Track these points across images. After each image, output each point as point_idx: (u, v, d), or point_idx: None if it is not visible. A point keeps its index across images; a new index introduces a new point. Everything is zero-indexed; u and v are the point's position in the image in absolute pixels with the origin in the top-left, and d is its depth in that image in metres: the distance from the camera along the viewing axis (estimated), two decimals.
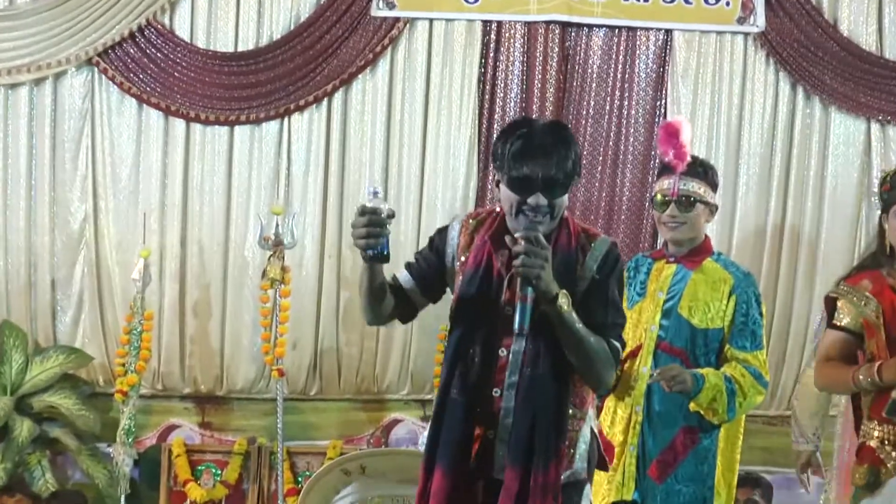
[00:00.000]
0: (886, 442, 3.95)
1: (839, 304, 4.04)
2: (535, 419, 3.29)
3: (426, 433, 3.51)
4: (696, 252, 4.44)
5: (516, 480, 3.28)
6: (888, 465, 3.94)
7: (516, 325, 3.20)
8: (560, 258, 3.29)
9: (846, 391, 4.20)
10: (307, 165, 7.51)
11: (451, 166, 7.51)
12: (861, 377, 3.87)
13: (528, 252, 3.11)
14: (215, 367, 7.57)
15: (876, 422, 3.97)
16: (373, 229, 3.23)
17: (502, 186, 3.35)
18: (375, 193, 3.29)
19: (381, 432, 7.62)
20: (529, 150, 3.25)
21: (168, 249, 7.49)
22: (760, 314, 4.35)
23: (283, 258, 7.05)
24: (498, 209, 3.45)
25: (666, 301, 4.40)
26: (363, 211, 3.23)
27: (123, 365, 7.10)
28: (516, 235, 3.19)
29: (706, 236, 4.54)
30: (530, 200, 3.24)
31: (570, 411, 3.33)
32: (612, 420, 4.44)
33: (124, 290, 7.38)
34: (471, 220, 3.52)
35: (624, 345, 3.35)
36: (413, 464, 6.55)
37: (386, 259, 3.31)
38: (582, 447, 3.40)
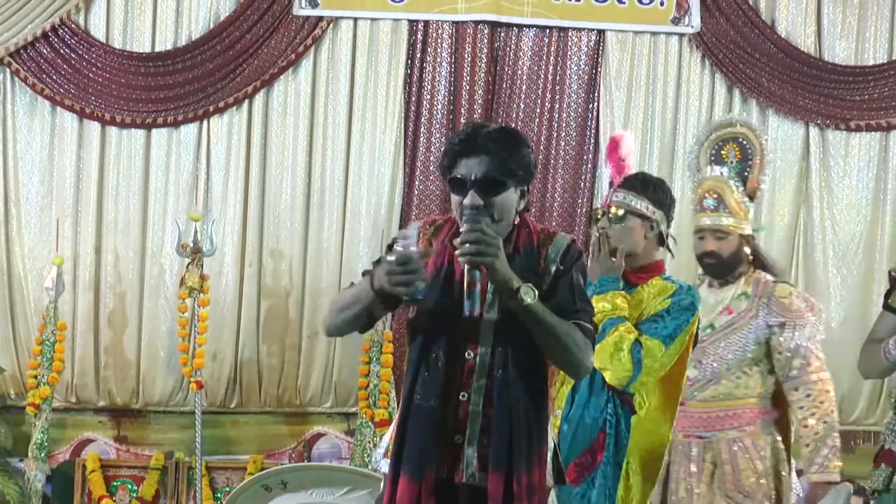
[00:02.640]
0: None
1: None
2: (512, 422, 3.52)
3: (383, 444, 3.79)
4: (643, 270, 4.54)
5: (500, 486, 3.49)
6: None
7: (466, 310, 3.45)
8: (522, 257, 3.55)
9: (883, 370, 4.24)
10: (227, 170, 7.96)
11: (376, 171, 7.99)
12: (892, 346, 4.04)
13: (473, 240, 3.36)
14: (131, 379, 7.95)
15: None
16: (409, 276, 3.42)
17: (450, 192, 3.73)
18: (406, 237, 3.50)
19: (303, 446, 8.01)
20: (465, 151, 3.57)
21: (82, 257, 7.89)
22: (686, 322, 4.36)
23: (202, 266, 7.48)
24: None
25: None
26: (399, 259, 3.41)
27: (36, 377, 7.47)
28: (462, 227, 3.44)
29: (660, 260, 4.61)
30: (465, 200, 3.49)
31: (546, 413, 3.61)
32: None
33: (36, 300, 7.79)
34: (428, 227, 3.75)
35: (596, 328, 3.59)
36: (336, 479, 7.02)
37: (422, 301, 3.54)
38: (552, 450, 3.76)
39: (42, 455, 7.48)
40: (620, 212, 4.50)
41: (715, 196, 5.39)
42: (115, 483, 7.74)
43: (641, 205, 4.49)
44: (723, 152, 5.56)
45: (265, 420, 8.10)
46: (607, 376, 4.31)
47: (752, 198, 5.47)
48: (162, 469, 7.76)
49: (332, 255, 7.92)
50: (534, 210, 7.83)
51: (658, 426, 4.47)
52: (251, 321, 7.98)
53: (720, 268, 5.35)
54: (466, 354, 3.56)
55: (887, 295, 4.22)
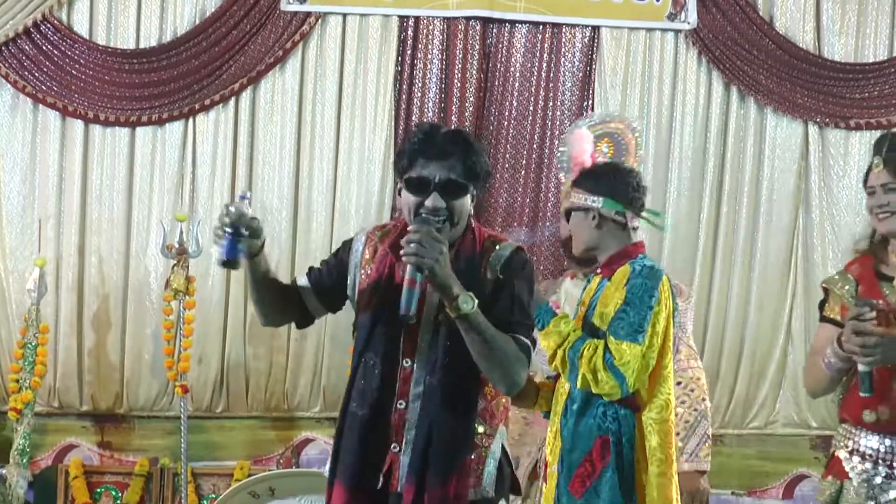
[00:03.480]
0: (855, 452, 4.00)
1: (829, 293, 4.20)
2: (431, 431, 3.59)
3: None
4: (613, 260, 4.51)
5: (412, 494, 3.58)
6: (853, 481, 4.00)
7: (402, 308, 3.46)
8: (464, 263, 3.64)
9: (828, 384, 4.13)
10: (213, 169, 7.95)
11: (365, 171, 7.99)
12: (829, 354, 3.93)
13: (417, 240, 3.44)
14: (115, 383, 7.94)
15: (852, 426, 4.03)
16: (219, 229, 3.61)
17: (403, 191, 3.74)
18: (242, 198, 3.71)
19: (291, 452, 8.01)
20: (427, 152, 3.64)
21: (65, 258, 7.88)
22: (650, 308, 4.30)
23: (188, 268, 7.46)
24: (403, 220, 3.82)
25: (585, 314, 4.62)
26: (223, 210, 3.64)
27: (17, 381, 7.45)
28: (409, 228, 3.54)
29: (628, 246, 4.51)
30: (427, 202, 3.58)
31: (481, 427, 3.65)
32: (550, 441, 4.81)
33: (18, 302, 7.78)
34: (376, 232, 3.88)
35: (534, 342, 3.64)
36: (325, 485, 7.02)
37: (230, 265, 3.67)
38: (491, 465, 3.69)
39: (24, 461, 7.44)
40: (568, 211, 4.56)
41: None
42: (98, 490, 7.71)
43: (579, 198, 4.47)
44: (598, 146, 5.59)
45: (252, 425, 8.10)
46: (604, 398, 4.28)
47: None
48: (147, 475, 7.73)
49: (320, 256, 7.67)
50: (527, 210, 7.92)
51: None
52: (238, 324, 7.98)
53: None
54: (404, 362, 3.63)
55: (821, 306, 4.24)
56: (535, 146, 8.05)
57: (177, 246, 7.44)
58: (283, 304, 3.90)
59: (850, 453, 4.00)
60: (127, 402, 7.99)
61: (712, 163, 8.13)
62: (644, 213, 4.51)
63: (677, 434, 4.97)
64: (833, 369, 3.97)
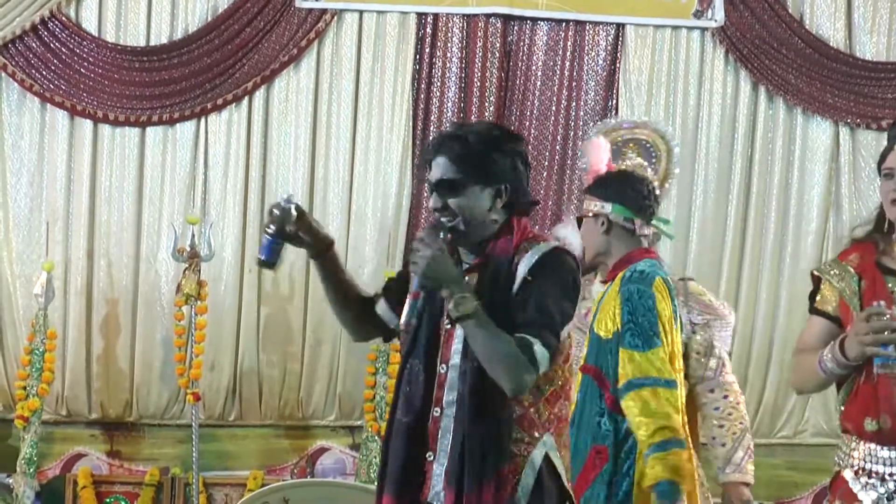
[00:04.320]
0: (862, 471, 3.73)
1: (822, 283, 3.91)
2: (465, 438, 3.55)
3: None
4: (617, 266, 4.60)
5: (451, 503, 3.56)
6: None
7: (402, 319, 3.55)
8: (494, 264, 3.59)
9: (818, 385, 3.95)
10: (226, 170, 7.90)
11: (382, 172, 7.93)
12: (826, 358, 3.70)
13: (414, 247, 3.49)
14: (124, 390, 7.89)
15: (854, 437, 3.76)
16: (265, 228, 3.64)
17: None
18: (287, 201, 3.65)
19: (306, 461, 7.95)
20: (431, 153, 3.67)
21: (73, 262, 7.83)
22: (649, 309, 4.34)
23: (200, 271, 7.41)
24: None
25: (592, 321, 4.75)
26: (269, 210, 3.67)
27: (24, 388, 7.41)
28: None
29: (632, 251, 4.59)
30: (430, 203, 3.64)
31: (517, 434, 3.55)
32: None
33: (25, 307, 7.72)
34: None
35: (549, 345, 3.47)
36: (341, 495, 7.00)
37: (266, 265, 3.67)
38: (528, 475, 3.57)
39: (31, 470, 7.42)
40: (580, 220, 4.67)
41: None
42: (107, 500, 7.69)
43: (589, 205, 4.59)
44: (624, 150, 5.55)
45: (266, 434, 8.05)
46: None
47: None
48: (157, 485, 7.68)
49: None
50: (549, 213, 7.86)
51: None
52: (251, 329, 7.93)
53: None
54: (440, 368, 3.61)
55: (812, 297, 3.98)
56: (557, 147, 8.00)
57: (188, 249, 7.41)
58: (362, 315, 3.87)
59: (857, 473, 3.72)
60: (137, 410, 7.95)
61: (739, 164, 8.08)
62: (654, 221, 4.60)
63: (723, 445, 5.08)
64: (829, 373, 3.73)
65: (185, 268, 7.42)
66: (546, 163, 8.00)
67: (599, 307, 4.56)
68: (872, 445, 3.67)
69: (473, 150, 3.59)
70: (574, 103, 8.02)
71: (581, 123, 7.99)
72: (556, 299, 3.52)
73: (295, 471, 7.89)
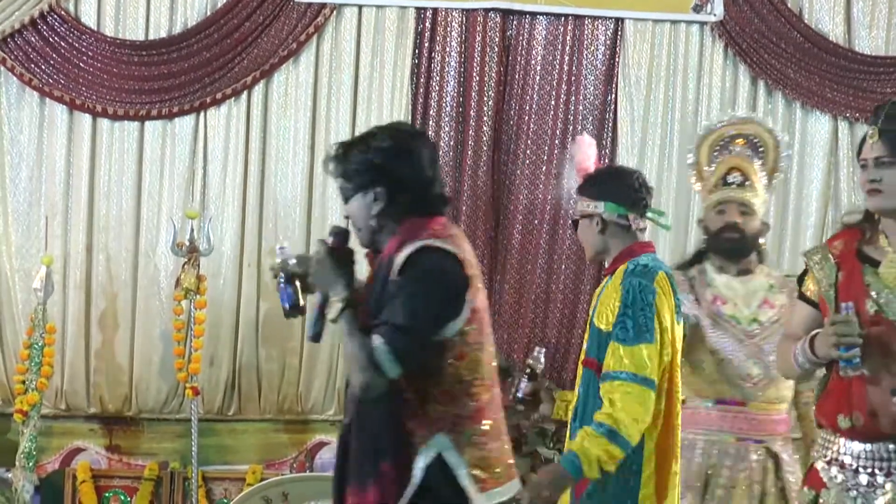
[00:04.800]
0: (834, 462, 3.80)
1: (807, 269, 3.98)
2: (353, 438, 3.69)
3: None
4: (617, 261, 4.65)
5: (340, 501, 3.73)
6: (831, 491, 3.81)
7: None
8: (379, 265, 3.69)
9: (797, 375, 4.02)
10: (225, 164, 7.90)
11: None
12: (799, 352, 3.79)
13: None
14: (123, 385, 7.90)
15: (830, 432, 3.82)
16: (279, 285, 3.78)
17: None
18: (280, 249, 3.86)
19: (305, 456, 7.97)
20: None
21: (72, 256, 7.83)
22: (649, 305, 4.36)
23: (199, 266, 7.46)
24: None
25: (590, 314, 4.76)
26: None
27: (23, 382, 7.42)
28: None
29: (630, 245, 4.64)
30: None
31: (405, 435, 3.58)
32: None
33: (24, 301, 7.73)
34: None
35: (396, 346, 3.47)
36: None
37: (293, 313, 3.80)
38: (415, 476, 3.58)
39: (30, 464, 7.42)
40: (574, 220, 4.74)
41: (740, 173, 5.38)
42: (106, 494, 7.70)
43: (582, 205, 4.65)
44: (731, 145, 5.57)
45: (265, 428, 8.06)
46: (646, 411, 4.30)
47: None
48: (156, 480, 7.70)
49: None
50: (548, 208, 7.88)
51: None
52: (250, 324, 7.94)
53: (741, 244, 5.29)
54: None
55: (800, 281, 4.02)
56: (556, 142, 8.00)
57: (187, 244, 7.45)
58: None
59: (829, 463, 3.80)
60: (136, 405, 7.95)
61: None
62: (649, 214, 4.61)
63: None
64: (801, 367, 3.82)
65: (184, 262, 7.45)
66: (545, 157, 8.01)
67: (599, 300, 4.57)
68: (845, 440, 3.71)
69: (348, 160, 3.69)
70: (573, 98, 8.03)
71: (580, 118, 8.00)
72: (414, 298, 3.52)
73: (294, 465, 7.89)
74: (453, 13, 7.95)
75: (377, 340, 3.48)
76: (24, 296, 7.74)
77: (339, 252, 3.73)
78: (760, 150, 5.57)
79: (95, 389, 7.90)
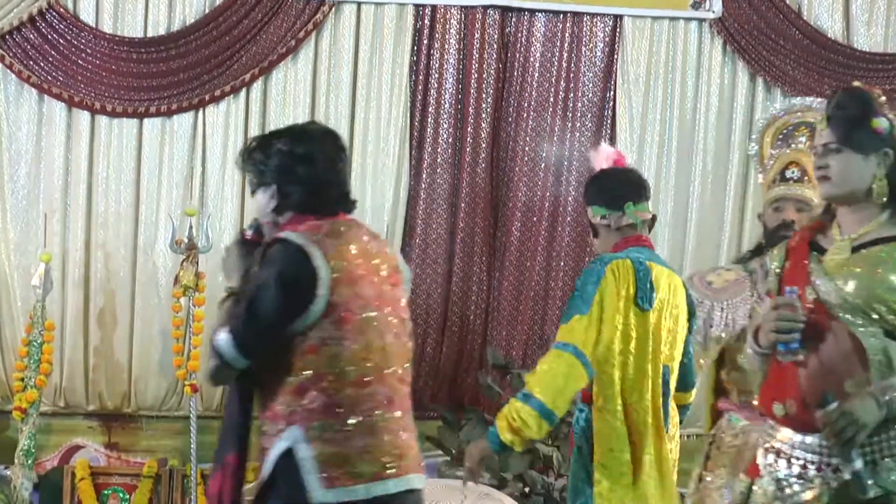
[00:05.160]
0: (771, 449, 3.69)
1: None
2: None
3: None
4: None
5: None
6: (763, 479, 3.69)
7: None
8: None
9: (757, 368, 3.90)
10: (223, 161, 7.92)
11: (380, 164, 7.97)
12: (748, 343, 3.75)
13: None
14: (122, 382, 7.92)
15: (769, 419, 3.74)
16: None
17: None
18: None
19: None
20: None
21: (71, 253, 7.85)
22: (592, 284, 4.44)
23: (198, 263, 7.46)
24: None
25: None
26: None
27: (22, 380, 7.43)
28: None
29: (617, 241, 4.66)
30: None
31: (264, 426, 3.63)
32: None
33: (23, 298, 7.74)
34: None
35: (236, 336, 3.54)
36: None
37: None
38: (266, 467, 3.62)
39: (29, 462, 7.44)
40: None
41: (798, 168, 5.35)
42: (105, 492, 7.70)
43: (588, 211, 4.74)
44: (795, 133, 5.55)
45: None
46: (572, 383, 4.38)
47: None
48: (155, 477, 7.71)
49: None
50: (547, 205, 7.90)
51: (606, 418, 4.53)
52: None
53: None
54: None
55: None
56: (555, 139, 8.03)
57: (186, 241, 7.46)
58: None
59: (766, 451, 3.70)
60: (135, 402, 7.97)
61: (737, 156, 8.12)
62: (627, 208, 4.63)
63: None
64: (751, 358, 3.77)
65: (182, 259, 7.46)
66: (544, 154, 8.04)
67: None
68: (782, 429, 3.64)
69: (252, 157, 3.76)
70: (572, 95, 8.05)
71: (579, 115, 8.04)
72: (256, 290, 3.57)
73: None
74: (452, 10, 7.97)
75: (223, 331, 3.57)
76: (22, 293, 7.75)
77: (253, 244, 3.77)
78: None
79: (94, 387, 7.92)
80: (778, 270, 3.73)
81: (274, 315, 3.54)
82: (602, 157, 4.95)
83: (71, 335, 7.85)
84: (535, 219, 8.03)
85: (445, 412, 7.86)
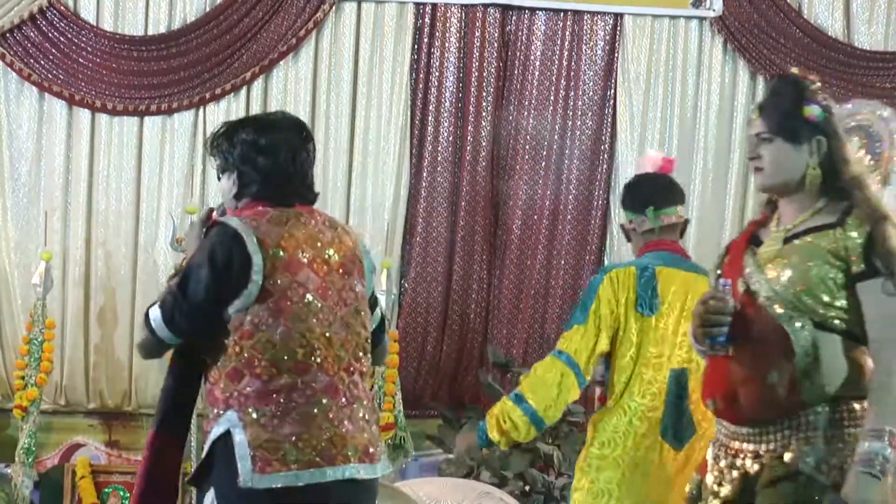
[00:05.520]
0: (716, 443, 3.68)
1: None
2: None
3: None
4: None
5: None
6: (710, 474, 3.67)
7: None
8: None
9: None
10: None
11: (381, 162, 7.99)
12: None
13: None
14: (123, 380, 7.94)
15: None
16: None
17: None
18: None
19: None
20: None
21: (71, 252, 7.88)
22: (587, 294, 4.58)
23: None
24: None
25: None
26: None
27: (23, 378, 7.42)
28: None
29: (641, 246, 4.73)
30: None
31: (207, 409, 3.70)
32: None
33: (23, 297, 7.76)
34: None
35: (164, 311, 3.62)
36: None
37: None
38: (206, 447, 3.69)
39: (29, 460, 7.43)
40: None
41: None
42: (106, 490, 7.65)
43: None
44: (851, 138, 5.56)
45: None
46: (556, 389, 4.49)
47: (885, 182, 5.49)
48: None
49: None
50: (547, 203, 7.91)
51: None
52: None
53: None
54: None
55: None
56: (555, 136, 8.06)
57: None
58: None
59: (713, 444, 3.68)
60: (135, 400, 7.98)
61: (738, 154, 8.12)
62: (648, 212, 4.67)
63: None
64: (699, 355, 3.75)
65: (183, 257, 7.42)
66: (544, 152, 8.07)
67: None
68: (723, 421, 3.61)
69: (218, 143, 3.77)
70: (572, 93, 8.08)
71: (579, 113, 8.06)
72: (188, 269, 3.63)
73: None
74: (452, 9, 8.00)
75: (156, 306, 3.66)
76: (23, 291, 7.77)
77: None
78: (876, 140, 5.56)
79: (95, 385, 7.94)
80: (717, 266, 3.69)
81: (203, 294, 3.56)
82: (647, 163, 4.98)
83: (71, 333, 7.87)
84: (535, 217, 8.05)
85: (446, 410, 7.88)
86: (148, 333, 3.67)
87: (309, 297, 3.61)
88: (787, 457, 3.44)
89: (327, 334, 3.64)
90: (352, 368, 3.69)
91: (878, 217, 3.43)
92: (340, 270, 3.71)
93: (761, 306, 3.45)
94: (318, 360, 3.62)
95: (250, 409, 3.56)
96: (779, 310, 3.42)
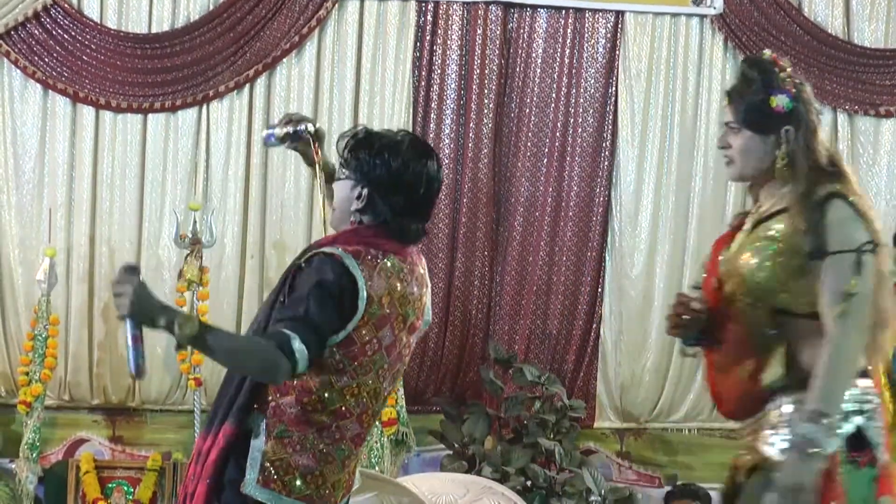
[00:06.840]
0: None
1: None
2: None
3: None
4: None
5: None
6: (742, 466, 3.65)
7: (131, 369, 3.34)
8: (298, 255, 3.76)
9: None
10: (227, 157, 7.98)
11: None
12: None
13: (114, 289, 3.36)
14: (126, 376, 7.88)
15: None
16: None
17: None
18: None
19: None
20: None
21: (75, 248, 7.92)
22: None
23: (202, 258, 7.56)
24: None
25: None
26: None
27: (27, 374, 7.50)
28: None
29: None
30: None
31: (261, 419, 3.62)
32: None
33: (28, 293, 7.81)
34: None
35: (292, 336, 3.40)
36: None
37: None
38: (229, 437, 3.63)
39: (34, 455, 7.50)
40: None
41: None
42: (110, 485, 7.74)
43: None
44: None
45: None
46: None
47: None
48: (159, 470, 7.75)
49: None
50: (550, 200, 7.96)
51: None
52: (252, 315, 7.84)
53: None
54: None
55: None
56: (557, 134, 8.10)
57: (190, 236, 7.55)
58: None
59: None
60: (139, 396, 8.03)
61: None
62: None
63: None
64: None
65: (186, 254, 7.54)
66: (546, 150, 8.11)
67: None
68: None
69: (355, 152, 3.67)
70: (574, 90, 8.12)
71: (581, 111, 8.10)
72: (306, 290, 3.52)
73: None
74: (454, 6, 8.04)
75: (284, 331, 3.44)
76: (27, 287, 7.81)
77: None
78: None
79: (99, 381, 7.97)
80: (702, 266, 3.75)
81: (328, 330, 3.52)
82: None
83: (75, 329, 7.90)
84: (537, 214, 8.09)
85: (448, 406, 7.93)
86: (286, 366, 3.43)
87: (380, 353, 3.62)
88: (758, 445, 3.49)
89: (378, 389, 3.67)
90: (378, 417, 3.79)
91: (822, 198, 3.41)
92: (410, 329, 3.72)
93: (729, 299, 3.49)
94: (360, 410, 3.65)
95: (280, 426, 3.60)
96: (745, 298, 3.46)
